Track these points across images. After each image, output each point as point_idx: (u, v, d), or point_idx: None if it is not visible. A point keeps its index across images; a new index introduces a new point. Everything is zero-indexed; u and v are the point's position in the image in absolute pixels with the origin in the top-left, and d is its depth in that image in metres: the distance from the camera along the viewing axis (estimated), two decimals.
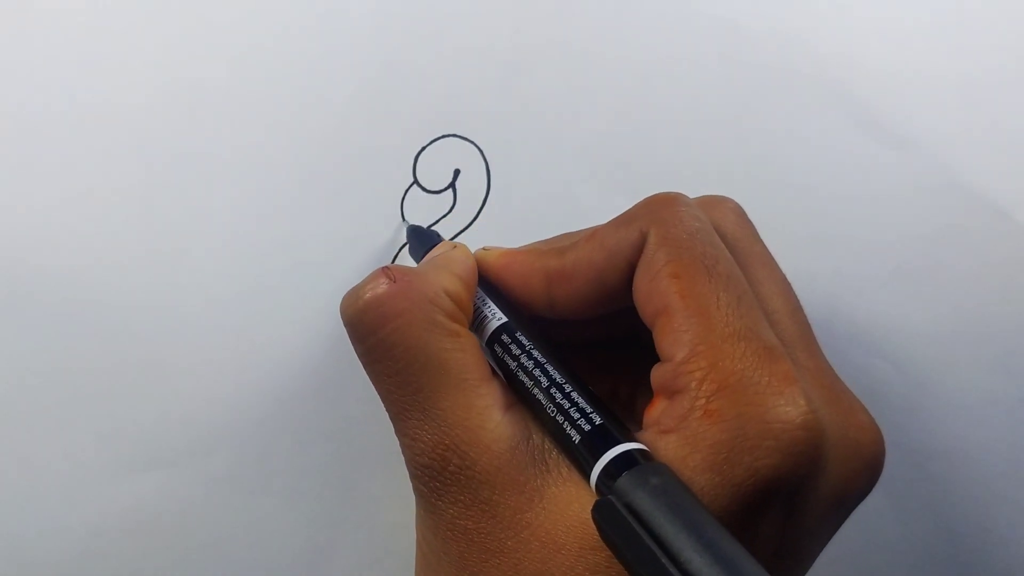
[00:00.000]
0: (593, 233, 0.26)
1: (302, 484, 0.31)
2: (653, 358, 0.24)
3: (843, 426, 0.24)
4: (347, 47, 0.32)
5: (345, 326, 0.25)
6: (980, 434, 0.34)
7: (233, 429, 0.31)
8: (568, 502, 0.23)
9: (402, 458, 0.25)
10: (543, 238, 0.29)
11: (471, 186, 0.32)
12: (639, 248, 0.25)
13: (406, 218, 0.32)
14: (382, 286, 0.25)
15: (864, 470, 0.24)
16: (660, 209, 0.25)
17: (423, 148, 0.32)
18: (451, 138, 0.32)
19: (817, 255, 0.33)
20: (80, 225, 0.30)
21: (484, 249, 0.28)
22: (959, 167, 0.34)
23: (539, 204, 0.32)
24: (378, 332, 0.24)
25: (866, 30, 0.34)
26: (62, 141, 0.30)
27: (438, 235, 0.31)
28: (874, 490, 0.25)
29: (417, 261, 0.30)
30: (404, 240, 0.32)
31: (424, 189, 0.32)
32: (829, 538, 0.25)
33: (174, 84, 0.31)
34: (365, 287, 0.25)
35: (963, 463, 0.34)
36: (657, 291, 0.24)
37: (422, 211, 0.32)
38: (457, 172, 0.32)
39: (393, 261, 0.31)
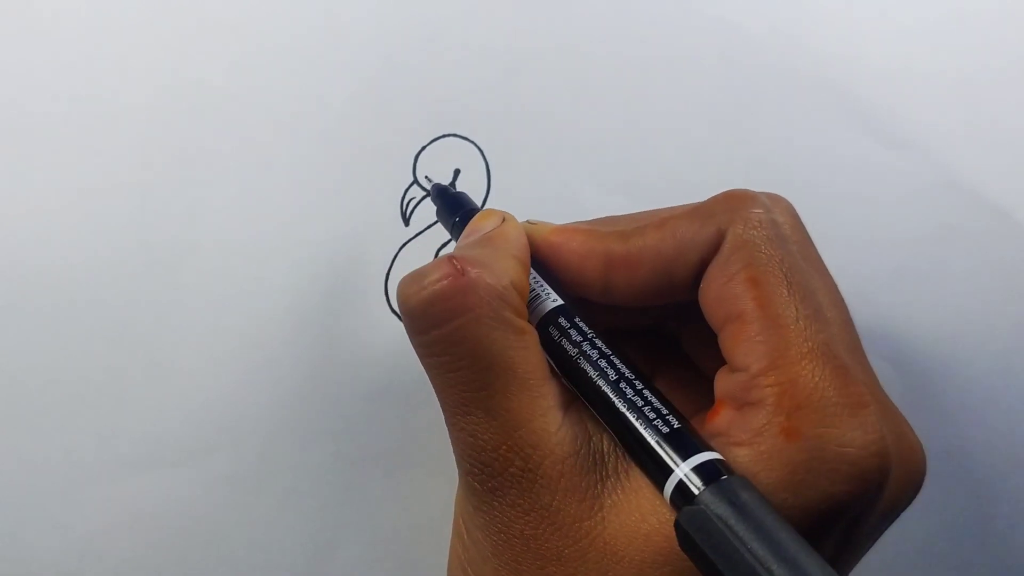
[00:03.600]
0: (663, 221, 0.25)
1: (302, 484, 0.31)
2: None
3: (899, 447, 0.23)
4: (347, 47, 0.32)
5: (403, 315, 0.24)
6: (980, 434, 0.34)
7: (233, 429, 0.30)
8: (629, 512, 0.22)
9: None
10: None
11: (471, 186, 0.32)
12: (715, 245, 0.24)
13: (407, 217, 0.32)
14: (449, 278, 0.23)
15: (911, 488, 0.24)
16: (740, 207, 0.24)
17: (423, 148, 0.32)
18: (451, 138, 0.32)
19: None
20: (81, 225, 0.30)
21: (530, 223, 0.27)
22: (959, 167, 0.34)
23: (539, 204, 0.32)
24: (442, 327, 0.23)
25: (866, 30, 0.34)
26: (62, 141, 0.30)
27: (467, 197, 0.30)
28: None
29: (447, 226, 0.29)
30: (404, 239, 0.31)
31: (424, 189, 0.32)
32: (870, 548, 0.25)
33: (175, 84, 0.31)
34: (430, 276, 0.23)
35: (963, 463, 0.34)
36: (732, 295, 0.23)
37: (422, 211, 0.32)
38: (457, 172, 0.32)
39: (393, 260, 0.31)
